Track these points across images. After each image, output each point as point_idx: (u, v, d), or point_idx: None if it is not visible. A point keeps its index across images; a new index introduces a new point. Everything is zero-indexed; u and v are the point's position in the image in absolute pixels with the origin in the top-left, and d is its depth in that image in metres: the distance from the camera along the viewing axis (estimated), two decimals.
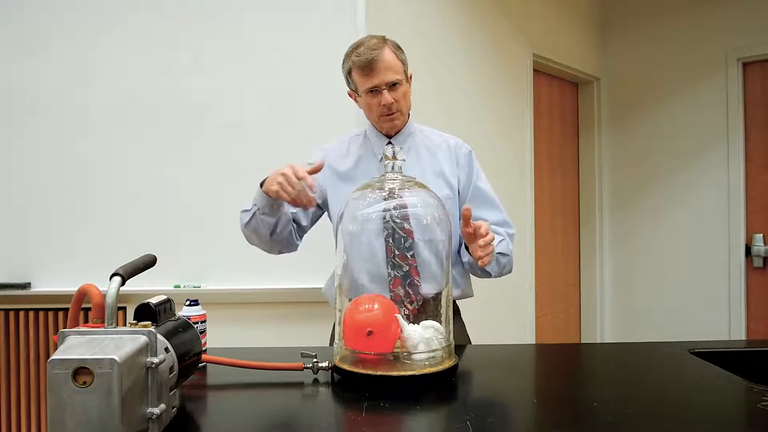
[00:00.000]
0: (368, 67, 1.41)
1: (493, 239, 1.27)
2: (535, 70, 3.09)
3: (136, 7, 2.07)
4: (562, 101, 3.50)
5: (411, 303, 1.33)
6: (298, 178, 1.25)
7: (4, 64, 2.05)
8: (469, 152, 1.58)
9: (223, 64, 2.08)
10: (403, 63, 1.47)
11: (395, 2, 2.30)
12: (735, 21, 3.09)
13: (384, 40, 1.46)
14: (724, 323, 3.08)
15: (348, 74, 1.48)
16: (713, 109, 3.14)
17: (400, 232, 1.36)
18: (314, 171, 1.30)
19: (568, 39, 3.33)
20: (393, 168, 1.22)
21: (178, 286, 2.03)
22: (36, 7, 2.05)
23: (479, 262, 1.26)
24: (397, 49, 1.48)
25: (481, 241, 1.24)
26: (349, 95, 1.54)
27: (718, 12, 3.14)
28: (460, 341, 1.49)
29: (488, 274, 1.47)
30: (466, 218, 1.23)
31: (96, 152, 2.06)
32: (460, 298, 1.54)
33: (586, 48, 3.47)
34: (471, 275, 1.58)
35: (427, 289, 1.34)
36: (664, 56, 3.32)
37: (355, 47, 1.45)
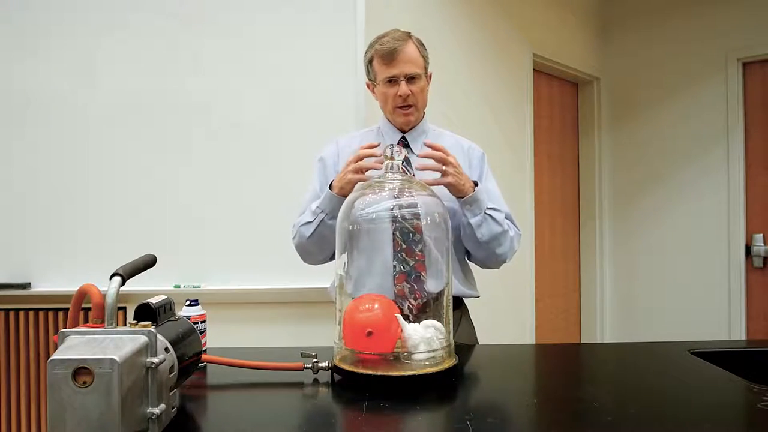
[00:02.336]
0: (390, 56, 1.43)
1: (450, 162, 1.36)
2: (535, 70, 3.09)
3: (136, 7, 2.07)
4: (562, 101, 3.50)
5: (415, 299, 1.33)
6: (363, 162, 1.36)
7: (4, 64, 2.04)
8: (482, 155, 1.60)
9: (223, 64, 2.08)
10: (425, 59, 1.50)
11: (395, 2, 2.30)
12: (735, 21, 3.09)
13: (409, 35, 1.49)
14: (724, 323, 3.08)
15: (369, 63, 1.50)
16: (713, 109, 3.14)
17: (409, 227, 1.36)
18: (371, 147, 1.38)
19: (568, 39, 3.33)
20: (392, 168, 1.22)
21: (178, 286, 2.03)
22: (36, 7, 2.05)
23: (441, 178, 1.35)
24: (421, 45, 1.51)
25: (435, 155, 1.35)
26: (367, 86, 1.56)
27: (718, 12, 3.14)
28: (466, 342, 1.49)
29: (479, 244, 1.44)
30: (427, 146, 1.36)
31: (96, 152, 2.06)
32: (465, 297, 1.54)
33: (586, 48, 3.47)
34: (474, 274, 1.58)
35: (433, 285, 1.34)
36: (664, 56, 3.32)
37: (380, 37, 1.48)
